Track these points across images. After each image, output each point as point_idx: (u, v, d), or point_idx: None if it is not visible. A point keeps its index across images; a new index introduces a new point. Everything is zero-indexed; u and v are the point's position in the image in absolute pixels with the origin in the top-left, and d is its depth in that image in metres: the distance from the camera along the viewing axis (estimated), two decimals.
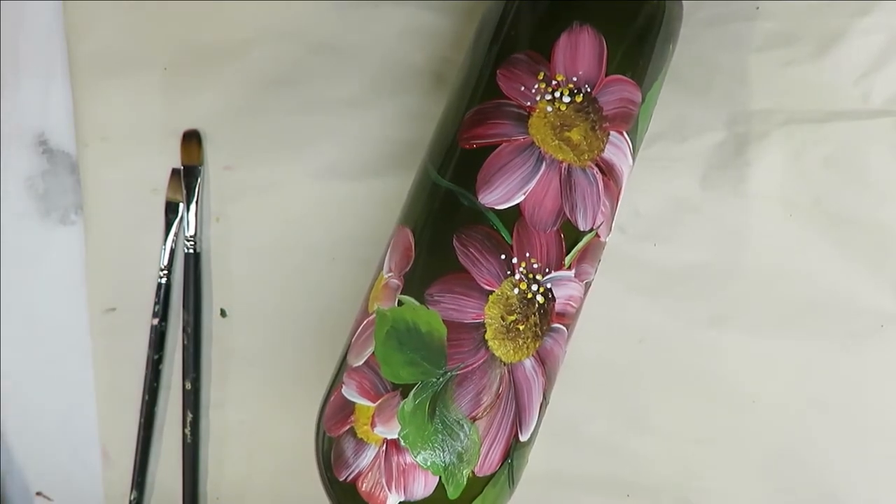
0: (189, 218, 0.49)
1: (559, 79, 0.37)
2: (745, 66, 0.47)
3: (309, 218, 0.49)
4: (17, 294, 0.50)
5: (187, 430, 0.48)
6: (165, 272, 0.49)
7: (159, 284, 0.49)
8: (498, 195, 0.37)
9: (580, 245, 0.38)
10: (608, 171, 0.39)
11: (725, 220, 0.48)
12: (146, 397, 0.49)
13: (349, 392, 0.37)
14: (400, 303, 0.37)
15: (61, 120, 0.50)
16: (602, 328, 0.47)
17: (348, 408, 0.37)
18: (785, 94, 0.47)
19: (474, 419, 0.36)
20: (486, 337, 0.36)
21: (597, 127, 0.38)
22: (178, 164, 0.49)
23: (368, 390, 0.37)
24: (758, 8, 0.47)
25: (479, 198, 0.37)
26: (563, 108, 0.37)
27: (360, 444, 0.36)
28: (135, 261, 0.50)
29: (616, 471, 0.48)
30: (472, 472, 0.36)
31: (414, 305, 0.37)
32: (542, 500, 0.47)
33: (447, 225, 0.37)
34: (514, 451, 0.37)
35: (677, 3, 0.41)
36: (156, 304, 0.49)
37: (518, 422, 0.37)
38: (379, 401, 0.36)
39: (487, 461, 0.36)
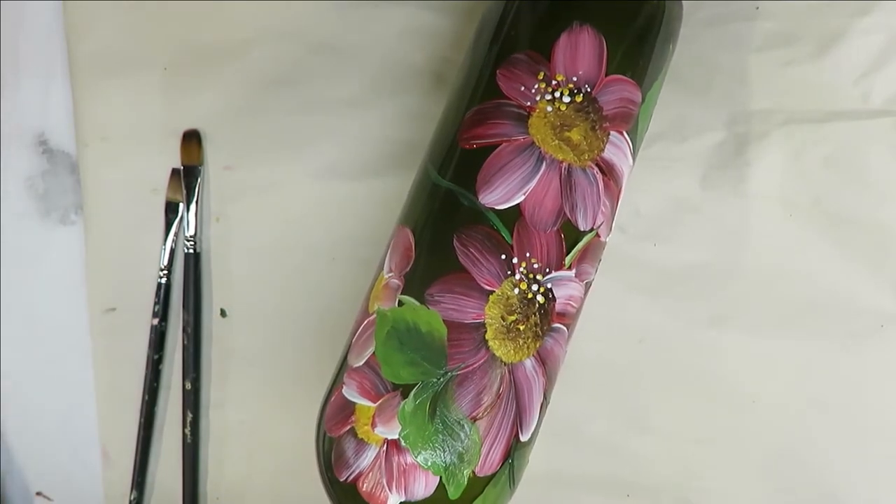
0: (189, 218, 0.49)
1: (559, 79, 0.37)
2: (745, 66, 0.48)
3: (309, 218, 0.49)
4: (17, 294, 0.50)
5: (187, 430, 0.48)
6: (165, 272, 0.49)
7: (159, 284, 0.49)
8: (498, 195, 0.37)
9: (580, 245, 0.38)
10: (608, 171, 0.39)
11: (725, 220, 0.48)
12: (146, 397, 0.49)
13: (350, 392, 0.37)
14: (400, 303, 0.37)
15: (61, 120, 0.50)
16: (602, 328, 0.47)
17: (349, 408, 0.37)
18: (785, 94, 0.47)
19: (475, 419, 0.36)
20: (487, 337, 0.36)
21: (597, 127, 0.38)
22: (178, 164, 0.49)
23: (369, 390, 0.37)
24: (758, 8, 0.47)
25: (480, 198, 0.37)
26: (563, 107, 0.37)
27: (361, 444, 0.36)
28: (135, 261, 0.50)
29: (616, 471, 0.48)
30: (473, 473, 0.36)
31: (414, 305, 0.37)
32: (542, 500, 0.47)
33: (447, 225, 0.37)
34: (514, 451, 0.37)
35: (677, 3, 0.41)
36: (156, 304, 0.49)
37: (519, 422, 0.37)
38: (379, 401, 0.36)
39: (488, 461, 0.36)
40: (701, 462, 0.48)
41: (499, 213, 0.37)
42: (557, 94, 0.37)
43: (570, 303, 0.38)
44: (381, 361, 0.37)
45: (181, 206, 0.49)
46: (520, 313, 0.37)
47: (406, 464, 0.35)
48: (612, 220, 0.40)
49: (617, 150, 0.39)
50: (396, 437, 0.35)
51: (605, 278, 0.43)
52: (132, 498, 0.49)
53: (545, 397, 0.39)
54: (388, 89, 0.49)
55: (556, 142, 0.37)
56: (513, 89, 0.38)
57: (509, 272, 0.36)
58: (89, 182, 0.50)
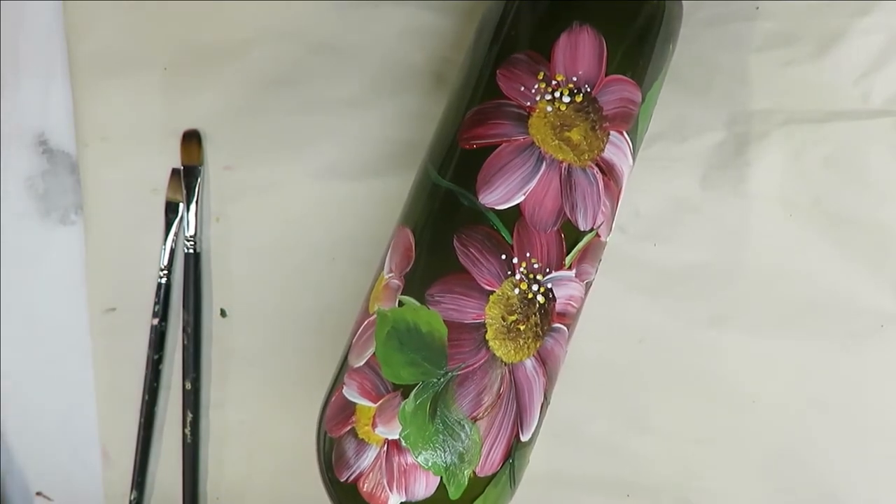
0: (189, 218, 0.49)
1: (559, 79, 0.37)
2: (745, 66, 0.48)
3: (309, 218, 0.49)
4: (17, 294, 0.50)
5: (187, 430, 0.48)
6: (165, 272, 0.49)
7: (159, 284, 0.49)
8: (498, 195, 0.37)
9: (580, 245, 0.38)
10: (608, 171, 0.39)
11: (725, 220, 0.48)
12: (146, 397, 0.49)
13: (350, 393, 0.37)
14: (400, 303, 0.37)
15: (61, 120, 0.50)
16: (602, 328, 0.47)
17: (349, 408, 0.37)
18: (785, 94, 0.47)
19: (475, 419, 0.36)
20: (487, 337, 0.36)
21: (597, 127, 0.38)
22: (178, 164, 0.49)
23: (369, 391, 0.37)
24: (758, 8, 0.47)
25: (480, 198, 0.37)
26: (563, 108, 0.37)
27: (362, 444, 0.36)
28: (135, 261, 0.50)
29: (616, 471, 0.48)
30: (474, 473, 0.36)
31: (414, 306, 0.37)
32: (543, 500, 0.47)
33: (447, 225, 0.37)
34: (515, 451, 0.37)
35: (677, 3, 0.41)
36: (156, 304, 0.49)
37: (519, 422, 0.37)
38: (380, 401, 0.36)
39: (489, 461, 0.36)
40: (701, 462, 0.48)
41: (499, 213, 0.37)
42: (557, 94, 0.37)
43: (571, 303, 0.38)
44: (381, 362, 0.37)
45: (181, 206, 0.49)
46: (520, 313, 0.37)
47: (407, 464, 0.35)
48: (613, 220, 0.40)
49: (617, 150, 0.39)
50: (397, 437, 0.35)
51: (605, 278, 0.43)
52: (132, 498, 0.49)
53: (546, 397, 0.39)
54: (388, 89, 0.49)
55: (556, 142, 0.37)
56: (513, 89, 0.38)
57: (509, 272, 0.36)
58: (89, 182, 0.50)
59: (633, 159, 0.40)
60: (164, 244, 0.49)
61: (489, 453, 0.36)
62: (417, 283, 0.37)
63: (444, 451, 0.35)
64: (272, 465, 0.49)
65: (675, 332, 0.48)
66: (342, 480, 0.37)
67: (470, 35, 0.42)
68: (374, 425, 0.36)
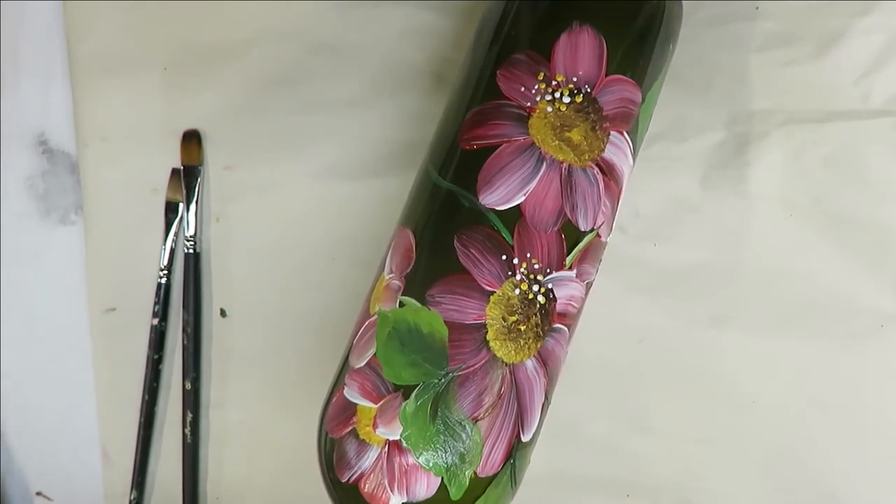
0: (189, 218, 0.49)
1: (559, 79, 0.37)
2: (745, 66, 0.48)
3: (309, 218, 0.49)
4: (17, 294, 0.50)
5: (187, 430, 0.48)
6: (165, 272, 0.49)
7: (159, 284, 0.49)
8: (498, 196, 0.37)
9: (581, 245, 0.38)
10: (609, 172, 0.39)
11: (725, 220, 0.48)
12: (146, 397, 0.49)
13: (351, 393, 0.37)
14: (401, 304, 0.37)
15: (61, 120, 0.50)
16: (602, 328, 0.47)
17: (350, 409, 0.37)
18: (785, 94, 0.47)
19: (476, 420, 0.36)
20: (488, 338, 0.36)
21: (597, 127, 0.38)
22: (178, 164, 0.49)
23: (370, 391, 0.37)
24: (758, 8, 0.47)
25: (480, 198, 0.37)
26: (564, 108, 0.37)
27: (363, 445, 0.36)
28: (135, 261, 0.50)
29: (616, 471, 0.48)
30: (475, 473, 0.36)
31: (415, 307, 0.37)
32: (543, 500, 0.47)
33: (448, 226, 0.37)
34: (516, 452, 0.37)
35: (677, 3, 0.41)
36: (156, 304, 0.49)
37: (520, 422, 0.37)
38: (381, 402, 0.36)
39: (490, 462, 0.36)
40: (701, 462, 0.48)
41: (499, 213, 0.37)
42: (557, 95, 0.37)
43: (571, 303, 0.38)
44: (382, 362, 0.37)
45: (181, 206, 0.49)
46: (521, 314, 0.37)
47: (408, 465, 0.35)
48: (613, 220, 0.40)
49: (617, 150, 0.39)
50: (398, 437, 0.35)
51: (605, 278, 0.43)
52: (132, 498, 0.49)
53: (546, 397, 0.39)
54: (388, 89, 0.49)
55: (557, 142, 0.37)
56: (513, 90, 0.38)
57: (510, 273, 0.36)
58: (89, 182, 0.50)
59: (634, 159, 0.40)
60: (164, 244, 0.49)
61: (490, 454, 0.36)
62: (418, 283, 0.37)
63: (445, 452, 0.35)
64: (272, 465, 0.49)
65: (675, 332, 0.48)
66: (343, 481, 0.37)
67: (470, 35, 0.42)
68: (375, 426, 0.36)
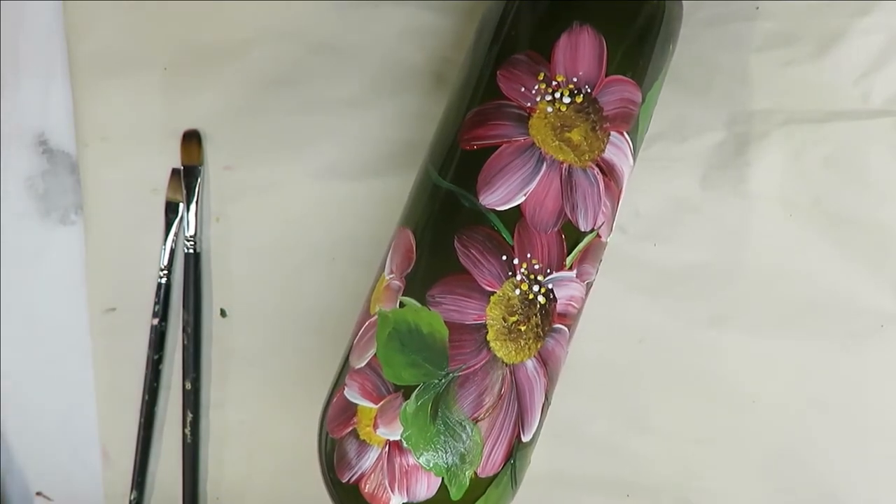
0: (189, 218, 0.49)
1: (559, 79, 0.37)
2: (745, 66, 0.48)
3: (309, 218, 0.49)
4: (17, 294, 0.50)
5: (187, 430, 0.48)
6: (165, 272, 0.49)
7: (159, 284, 0.49)
8: (499, 196, 0.37)
9: (581, 245, 0.38)
10: (609, 172, 0.39)
11: (725, 220, 0.48)
12: (146, 397, 0.49)
13: (351, 394, 0.37)
14: (401, 304, 0.37)
15: (61, 120, 0.50)
16: (603, 328, 0.47)
17: (351, 409, 0.37)
18: (785, 94, 0.47)
19: (476, 420, 0.36)
20: (488, 338, 0.36)
21: (597, 127, 0.38)
22: (178, 164, 0.49)
23: (371, 392, 0.37)
24: (758, 8, 0.47)
25: (480, 199, 0.37)
26: (564, 108, 0.37)
27: (363, 445, 0.36)
28: (135, 261, 0.50)
29: (616, 471, 0.48)
30: (475, 473, 0.36)
31: (415, 307, 0.37)
32: (543, 500, 0.47)
33: (448, 226, 0.37)
34: (516, 452, 0.37)
35: (677, 3, 0.41)
36: (156, 304, 0.49)
37: (520, 422, 0.37)
38: (381, 402, 0.36)
39: (490, 462, 0.36)
40: (701, 462, 0.48)
41: (499, 214, 0.37)
42: (558, 95, 0.37)
43: (572, 303, 0.38)
44: (382, 363, 0.37)
45: (181, 206, 0.49)
46: (521, 314, 0.37)
47: (408, 465, 0.35)
48: (613, 220, 0.40)
49: (617, 150, 0.39)
50: (398, 438, 0.35)
51: (605, 278, 0.43)
52: (132, 498, 0.49)
53: (547, 398, 0.39)
54: (388, 89, 0.49)
55: (557, 142, 0.37)
56: (513, 90, 0.38)
57: (510, 273, 0.36)
58: (89, 182, 0.50)
59: (634, 159, 0.40)
60: (164, 244, 0.49)
61: (490, 454, 0.36)
62: (418, 284, 0.37)
63: (446, 452, 0.35)
64: (272, 465, 0.49)
65: (675, 332, 0.48)
66: (344, 481, 0.37)
67: (470, 35, 0.42)
68: (375, 426, 0.36)
